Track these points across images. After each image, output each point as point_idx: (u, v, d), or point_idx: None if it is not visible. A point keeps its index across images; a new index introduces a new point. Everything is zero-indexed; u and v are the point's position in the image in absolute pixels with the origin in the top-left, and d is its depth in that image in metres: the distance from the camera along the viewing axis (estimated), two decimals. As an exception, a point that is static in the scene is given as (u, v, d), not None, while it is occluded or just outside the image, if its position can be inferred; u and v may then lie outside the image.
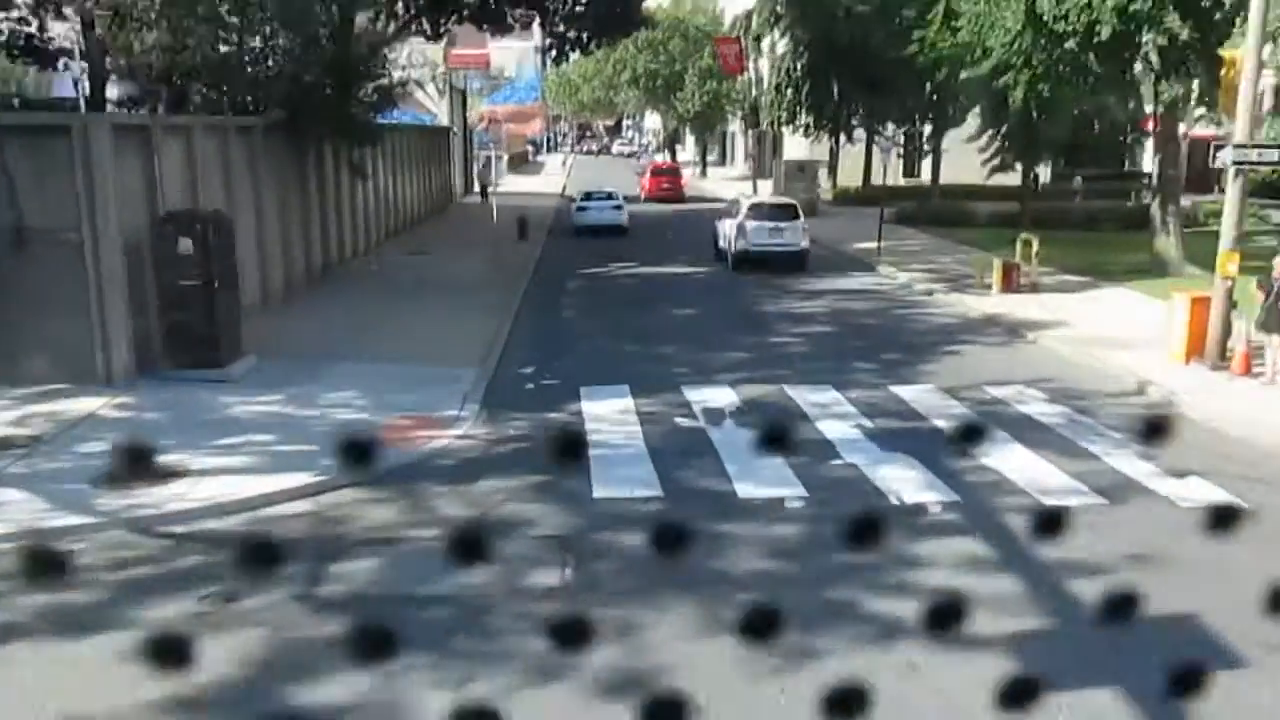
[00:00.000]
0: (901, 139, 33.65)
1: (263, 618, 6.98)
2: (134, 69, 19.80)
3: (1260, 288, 13.52)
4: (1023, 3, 19.97)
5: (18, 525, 8.49)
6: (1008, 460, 10.27)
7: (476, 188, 48.46)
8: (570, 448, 1.61)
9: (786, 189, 40.16)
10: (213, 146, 16.19)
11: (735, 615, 1.48)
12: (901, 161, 54.39)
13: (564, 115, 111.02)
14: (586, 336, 16.91)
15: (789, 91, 45.96)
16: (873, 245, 28.43)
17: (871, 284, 22.96)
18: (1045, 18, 19.57)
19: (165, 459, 9.83)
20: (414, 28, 26.79)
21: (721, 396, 12.94)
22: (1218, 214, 34.11)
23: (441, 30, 28.34)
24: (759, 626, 1.47)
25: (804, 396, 12.91)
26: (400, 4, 25.66)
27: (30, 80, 33.85)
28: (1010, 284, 20.66)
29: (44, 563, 1.38)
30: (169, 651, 1.33)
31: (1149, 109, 23.17)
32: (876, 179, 48.29)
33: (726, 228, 25.36)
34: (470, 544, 1.44)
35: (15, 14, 19.90)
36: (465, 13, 27.54)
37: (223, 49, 18.77)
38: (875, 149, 46.85)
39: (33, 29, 20.25)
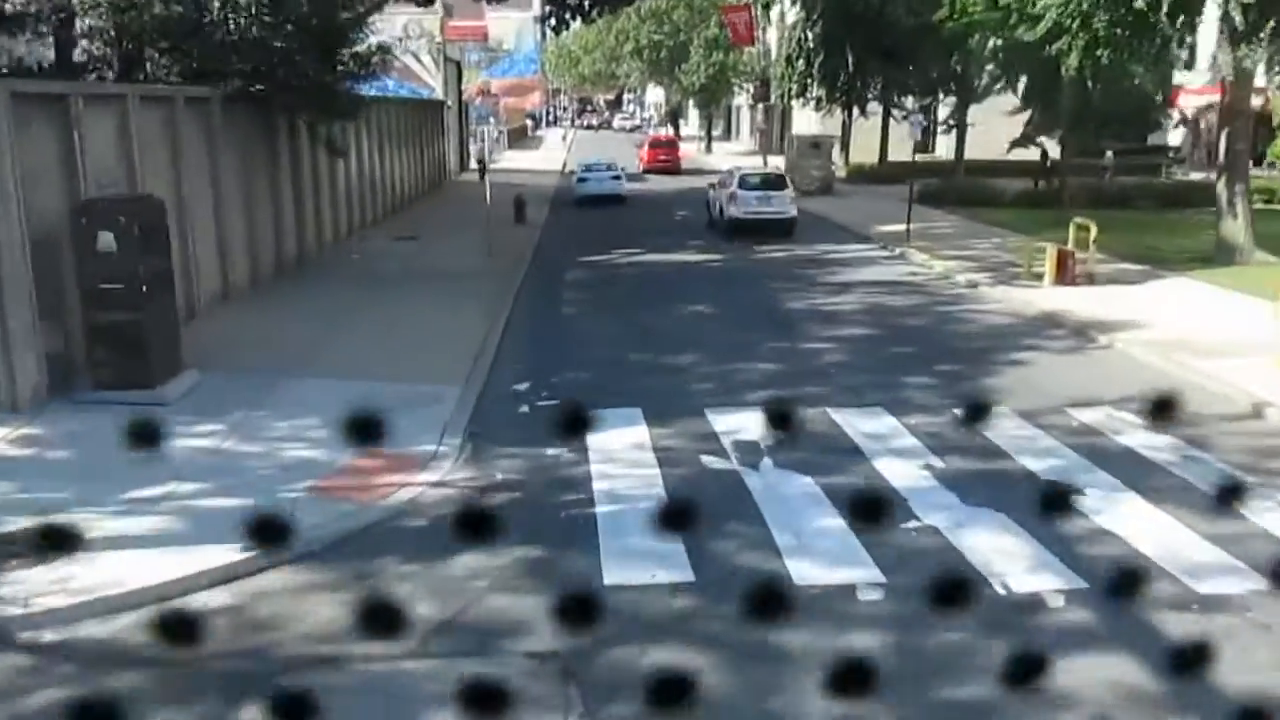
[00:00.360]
0: (924, 116, 31.36)
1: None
2: (92, 33, 17.47)
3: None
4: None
5: None
6: (1129, 520, 8.11)
7: (473, 164, 46.09)
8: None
9: (799, 166, 37.82)
10: (155, 121, 13.92)
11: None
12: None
13: (564, 89, 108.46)
14: (589, 341, 14.66)
15: (800, 63, 43.55)
16: (899, 228, 26.16)
17: (905, 275, 20.69)
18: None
19: (56, 520, 7.62)
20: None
21: (754, 424, 10.72)
22: (1261, 191, 32.06)
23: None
24: None
25: (853, 424, 10.71)
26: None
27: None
28: (1065, 275, 18.40)
29: None
30: None
31: (1225, 76, 20.70)
32: (895, 155, 46.21)
33: (721, 197, 26.84)
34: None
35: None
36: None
37: (176, 8, 16.42)
38: (892, 123, 44.60)
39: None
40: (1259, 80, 23.74)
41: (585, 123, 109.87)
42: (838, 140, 43.86)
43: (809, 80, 43.36)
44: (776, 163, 42.48)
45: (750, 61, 58.30)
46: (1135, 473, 9.26)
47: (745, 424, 10.72)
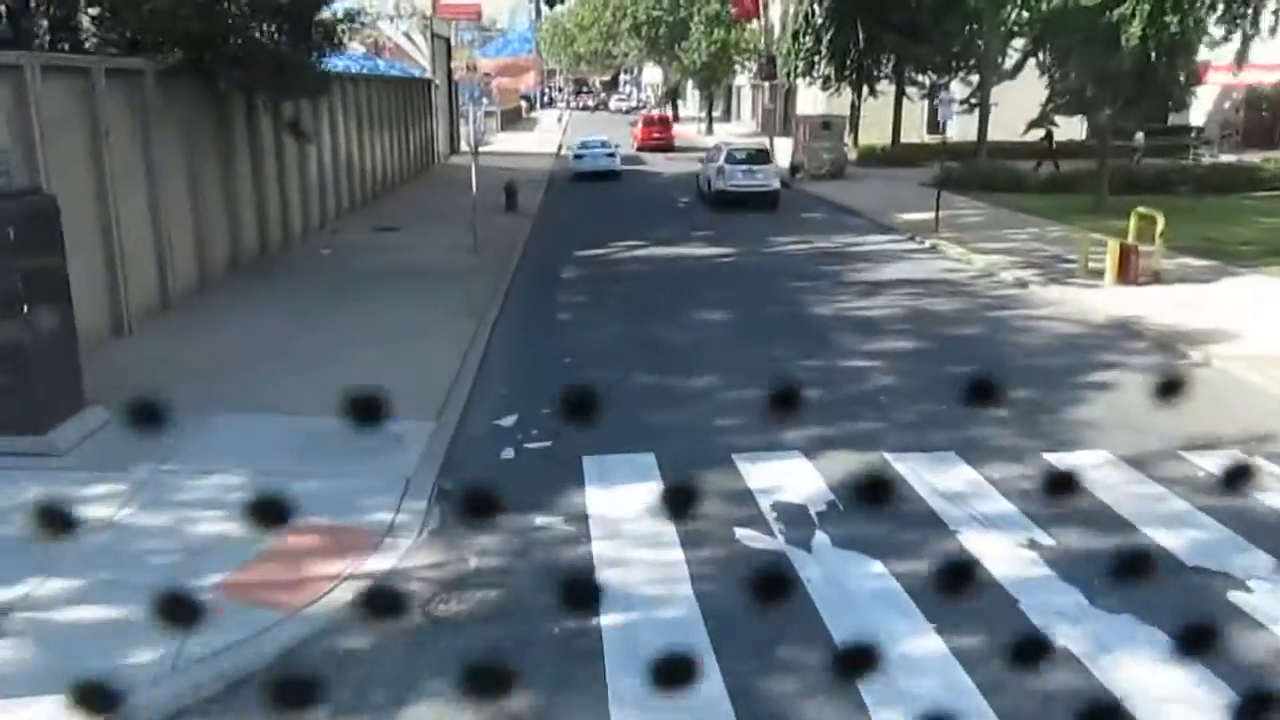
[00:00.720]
0: (956, 94, 29.00)
1: None
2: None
3: None
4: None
5: None
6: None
7: (464, 146, 43.66)
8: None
9: (809, 149, 35.50)
10: (66, 96, 11.62)
11: None
12: (926, 117, 49.68)
13: (560, 70, 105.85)
14: (588, 358, 12.40)
15: (806, 39, 41.18)
16: (924, 217, 23.93)
17: (942, 271, 18.42)
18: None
19: None
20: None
21: (798, 479, 8.52)
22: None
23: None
24: None
25: (922, 477, 8.50)
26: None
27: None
28: (1128, 273, 16.18)
29: None
30: None
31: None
32: (906, 136, 43.88)
33: (709, 171, 28.69)
34: None
35: None
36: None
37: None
38: (906, 103, 42.24)
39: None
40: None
41: (581, 104, 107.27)
42: (847, 121, 41.48)
43: (816, 57, 41.05)
44: (784, 145, 40.21)
45: (752, 39, 55.86)
46: (1305, 553, 7.08)
47: (787, 478, 8.53)
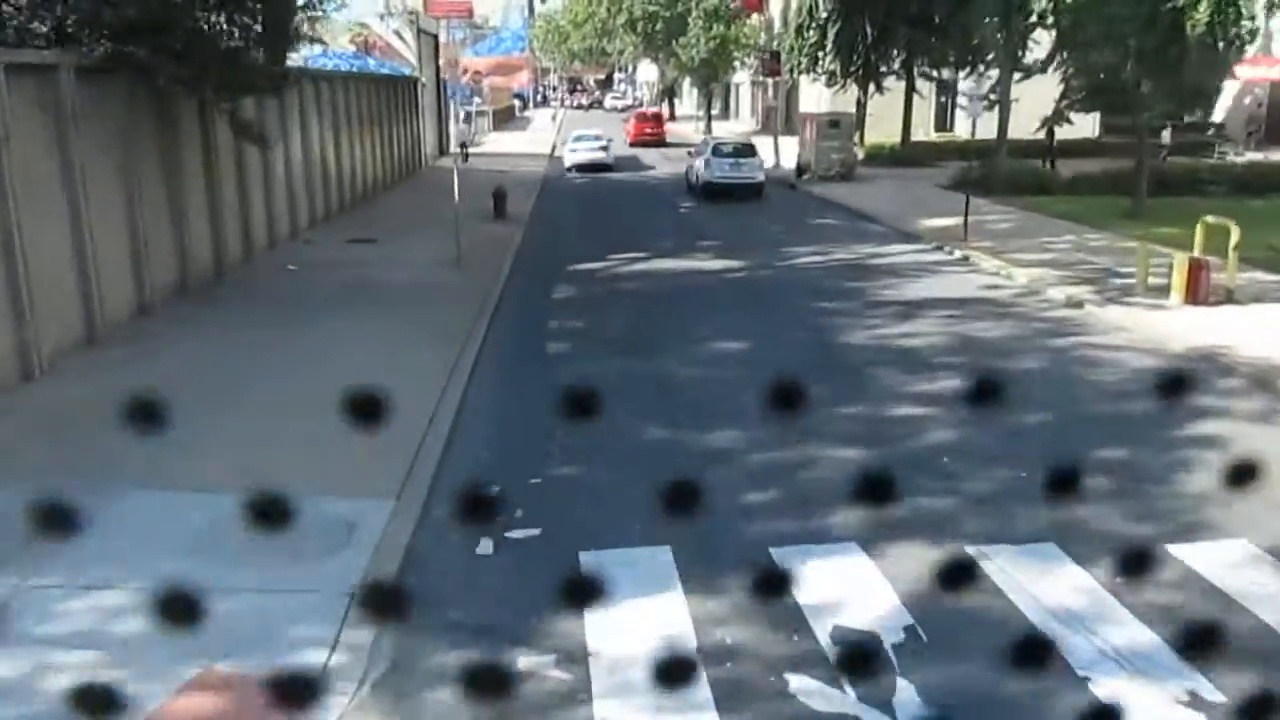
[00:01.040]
0: (983, 91, 26.89)
1: None
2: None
3: None
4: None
5: None
6: None
7: (454, 147, 41.69)
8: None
9: (817, 148, 33.53)
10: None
11: None
12: (933, 115, 47.76)
13: (553, 68, 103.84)
14: (585, 410, 10.45)
15: (811, 33, 39.28)
16: (949, 223, 22.08)
17: (983, 289, 16.47)
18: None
19: None
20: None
21: (860, 587, 6.58)
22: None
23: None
24: None
25: (1020, 584, 6.55)
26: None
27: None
28: (1198, 292, 14.26)
29: None
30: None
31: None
32: (921, 135, 42.01)
33: (697, 164, 29.55)
34: None
35: None
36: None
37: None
38: (916, 99, 40.35)
39: None
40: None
41: (575, 103, 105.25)
42: (855, 119, 39.53)
43: (820, 52, 39.16)
44: (787, 144, 38.27)
45: (752, 34, 53.90)
46: None
47: (846, 586, 6.58)
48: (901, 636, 5.98)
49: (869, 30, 37.71)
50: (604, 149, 37.52)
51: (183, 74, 12.74)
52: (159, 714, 4.56)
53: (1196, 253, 14.87)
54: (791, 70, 42.70)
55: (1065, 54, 26.09)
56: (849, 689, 5.49)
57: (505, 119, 71.69)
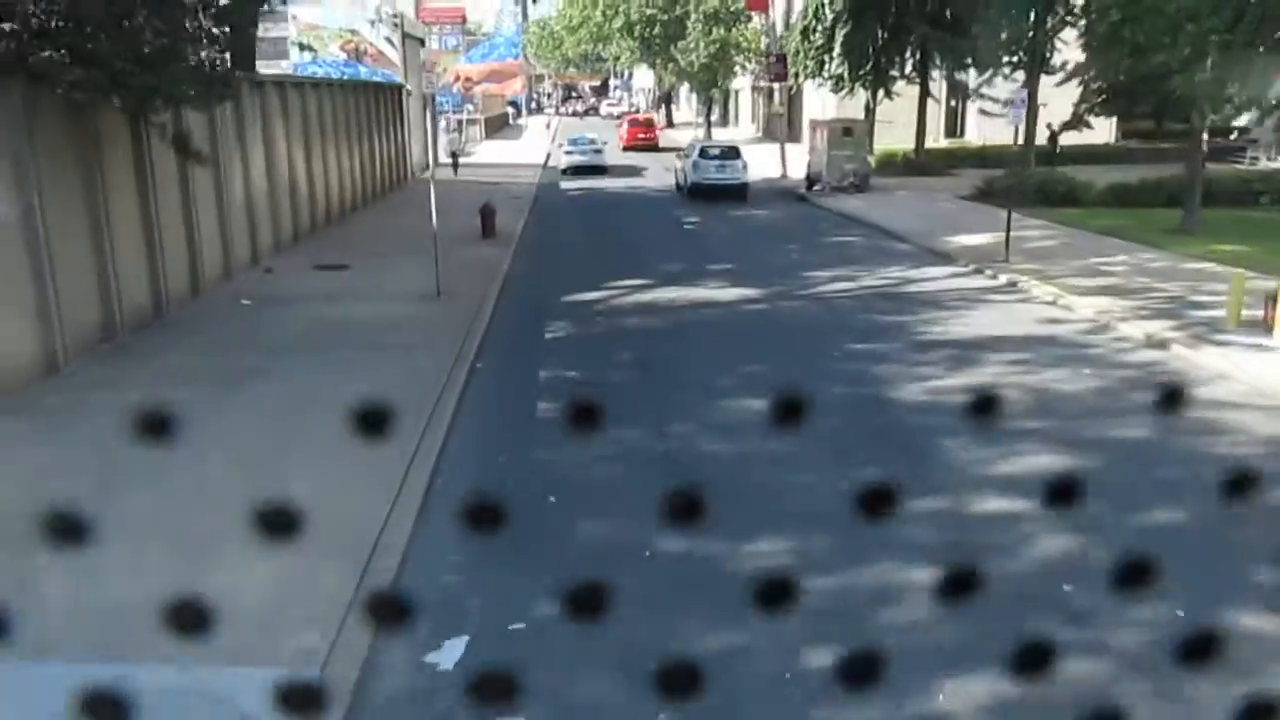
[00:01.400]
0: (1024, 95, 24.76)
1: None
2: None
3: None
4: None
5: None
6: None
7: (444, 158, 39.50)
8: None
9: (829, 158, 31.35)
10: None
11: None
12: (943, 120, 45.64)
13: (548, 74, 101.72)
14: (580, 500, 8.16)
15: (818, 36, 37.18)
16: (981, 240, 20.03)
17: (1041, 322, 14.23)
18: None
19: None
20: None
21: None
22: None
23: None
24: None
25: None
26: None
27: None
28: (1305, 330, 12.10)
29: None
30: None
31: None
32: (930, 141, 39.83)
33: (685, 166, 30.96)
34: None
35: None
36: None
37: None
38: (930, 104, 38.22)
39: None
40: None
41: (570, 110, 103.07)
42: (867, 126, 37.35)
43: (827, 56, 37.03)
44: (795, 152, 36.11)
45: (753, 38, 51.74)
46: None
47: None
48: None
49: (880, 32, 35.62)
50: (598, 151, 39.28)
51: (89, 80, 10.49)
52: None
53: (1296, 282, 12.70)
54: (796, 75, 40.62)
55: (1101, 53, 23.86)
56: None
57: (498, 127, 69.55)
